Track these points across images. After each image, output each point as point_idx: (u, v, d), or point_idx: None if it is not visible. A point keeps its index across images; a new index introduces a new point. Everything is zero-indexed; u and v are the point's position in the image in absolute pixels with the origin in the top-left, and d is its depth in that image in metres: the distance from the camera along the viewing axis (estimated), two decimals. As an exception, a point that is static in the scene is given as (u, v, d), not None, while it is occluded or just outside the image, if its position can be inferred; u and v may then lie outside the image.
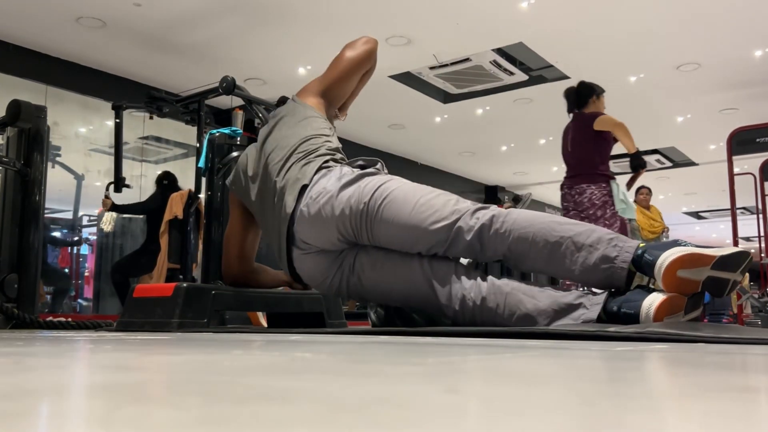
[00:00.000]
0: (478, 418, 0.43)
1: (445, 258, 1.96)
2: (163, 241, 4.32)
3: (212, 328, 2.09)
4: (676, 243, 1.70)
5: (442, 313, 1.93)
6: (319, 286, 2.10)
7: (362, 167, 2.08)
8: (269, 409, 0.45)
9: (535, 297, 1.79)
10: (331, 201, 1.95)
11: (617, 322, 1.67)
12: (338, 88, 2.37)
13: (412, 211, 1.90)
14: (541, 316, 1.76)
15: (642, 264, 1.70)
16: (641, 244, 1.75)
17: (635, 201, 5.78)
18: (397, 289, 1.97)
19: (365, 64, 2.39)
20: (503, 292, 1.83)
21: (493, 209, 1.92)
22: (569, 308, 1.74)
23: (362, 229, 1.95)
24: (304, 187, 2.03)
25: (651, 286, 1.79)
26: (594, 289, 1.85)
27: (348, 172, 2.03)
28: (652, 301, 1.62)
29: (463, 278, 1.89)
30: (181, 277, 4.17)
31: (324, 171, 2.06)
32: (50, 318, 2.92)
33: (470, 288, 1.86)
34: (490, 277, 1.88)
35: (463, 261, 2.03)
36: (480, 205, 1.95)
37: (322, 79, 2.39)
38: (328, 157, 2.12)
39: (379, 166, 2.10)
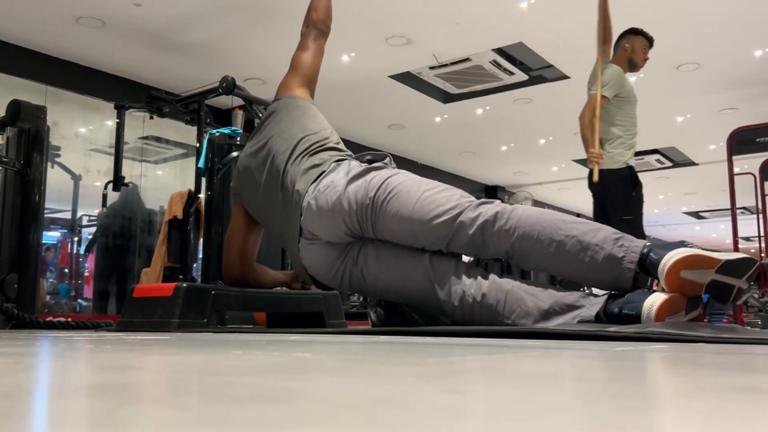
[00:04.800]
0: (478, 418, 0.43)
1: (447, 255, 1.96)
2: (160, 241, 4.31)
3: (212, 328, 2.09)
4: (682, 243, 1.69)
5: (441, 309, 1.93)
6: (323, 277, 2.10)
7: (370, 162, 2.09)
8: (269, 409, 0.45)
9: (537, 296, 1.78)
10: (338, 194, 1.97)
11: (618, 323, 1.66)
12: (315, 73, 2.48)
13: (415, 205, 1.90)
14: (541, 316, 1.76)
15: (646, 263, 1.69)
16: (647, 243, 1.73)
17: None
18: (398, 284, 1.98)
19: (323, 41, 2.55)
20: (504, 290, 1.82)
21: (498, 205, 1.90)
22: (570, 309, 1.74)
23: (367, 222, 1.96)
24: (318, 176, 2.05)
25: (654, 288, 1.77)
26: (595, 291, 1.84)
27: (356, 166, 2.05)
28: (654, 301, 1.61)
29: (464, 275, 1.88)
30: (180, 277, 4.17)
31: (334, 165, 2.08)
32: (50, 318, 2.92)
33: (470, 284, 1.85)
34: (491, 275, 1.88)
35: (465, 259, 2.03)
36: (484, 199, 1.94)
37: (298, 70, 2.44)
38: (335, 152, 2.14)
39: (387, 160, 2.11)
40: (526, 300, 1.79)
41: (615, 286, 1.76)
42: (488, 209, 1.88)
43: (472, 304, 1.84)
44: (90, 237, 7.52)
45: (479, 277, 1.87)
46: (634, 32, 4.29)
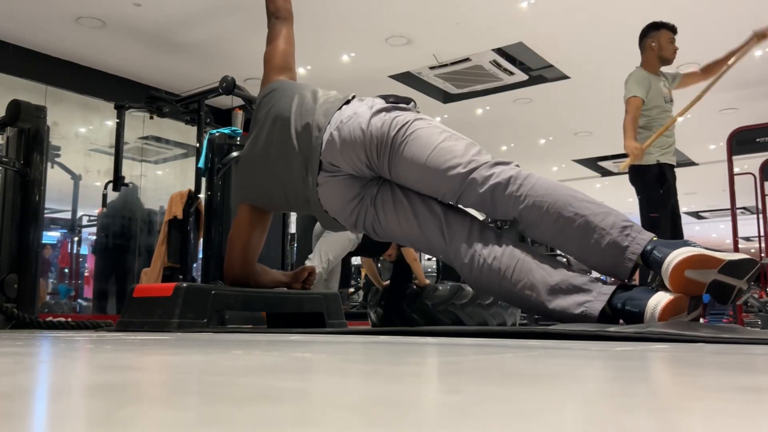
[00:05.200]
0: (478, 418, 0.43)
1: (462, 212, 1.95)
2: (160, 241, 4.32)
3: (212, 328, 2.09)
4: (686, 243, 1.68)
5: (451, 262, 1.93)
6: (340, 214, 2.07)
7: (395, 102, 2.06)
8: (269, 409, 0.45)
9: (546, 270, 1.77)
10: (360, 126, 1.95)
11: (620, 318, 1.66)
12: (287, 59, 2.48)
13: (431, 153, 1.89)
14: (546, 290, 1.74)
15: (650, 259, 1.68)
16: (654, 238, 1.72)
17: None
18: (411, 231, 1.97)
19: (289, 26, 2.54)
20: (515, 257, 1.80)
21: (512, 168, 1.88)
22: (577, 290, 1.72)
23: (384, 161, 1.95)
24: (339, 108, 2.04)
25: (653, 286, 1.77)
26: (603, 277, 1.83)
27: (380, 102, 2.03)
28: (658, 300, 1.61)
29: (478, 234, 1.87)
30: (180, 277, 4.17)
31: (355, 100, 2.08)
32: (50, 318, 2.92)
33: (483, 245, 1.84)
34: (505, 241, 1.86)
35: (480, 217, 2.01)
36: (501, 159, 1.91)
37: (272, 63, 2.45)
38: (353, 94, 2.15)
39: (412, 105, 2.09)
40: (535, 272, 1.77)
41: (613, 273, 1.75)
42: (502, 171, 1.86)
43: (482, 265, 1.82)
44: (94, 237, 7.53)
45: (492, 240, 1.85)
46: (655, 27, 4.24)
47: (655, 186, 4.01)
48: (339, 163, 2.00)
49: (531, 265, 1.78)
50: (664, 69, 4.34)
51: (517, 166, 1.91)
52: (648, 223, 3.95)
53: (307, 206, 2.16)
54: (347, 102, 2.09)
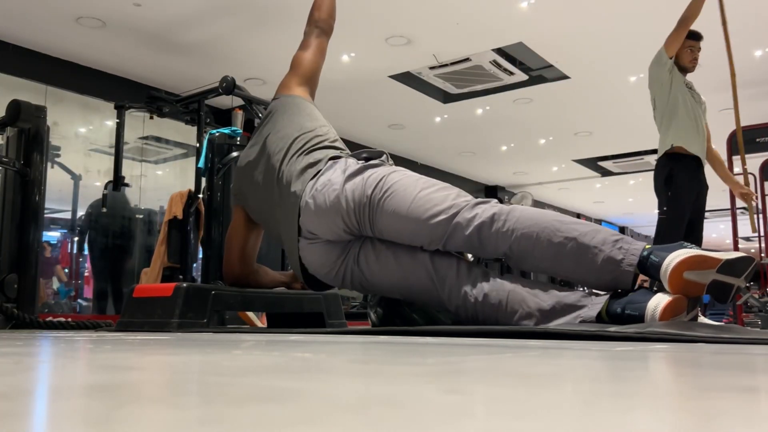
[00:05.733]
0: (478, 418, 0.43)
1: (448, 254, 1.96)
2: (160, 241, 4.32)
3: (212, 328, 2.09)
4: (681, 245, 1.69)
5: (444, 307, 1.93)
6: (325, 277, 2.09)
7: (366, 159, 2.07)
8: (269, 409, 0.45)
9: (538, 296, 1.79)
10: (335, 193, 1.96)
11: (620, 323, 1.66)
12: (315, 72, 2.48)
13: (411, 204, 1.90)
14: (542, 316, 1.76)
15: (647, 266, 1.69)
16: (647, 246, 1.74)
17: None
18: (399, 283, 1.98)
19: (325, 40, 2.54)
20: (506, 290, 1.82)
21: (494, 205, 1.90)
22: (571, 309, 1.74)
23: (365, 221, 1.96)
24: (315, 175, 2.04)
25: (654, 288, 1.78)
26: (596, 291, 1.84)
27: (353, 163, 2.04)
28: (658, 302, 1.61)
29: (466, 274, 1.88)
30: (180, 277, 4.17)
31: (330, 163, 2.07)
32: (50, 318, 2.92)
33: (472, 284, 1.85)
34: (492, 275, 1.87)
35: (469, 257, 2.02)
36: (481, 199, 1.93)
37: (297, 70, 2.43)
38: (331, 150, 2.14)
39: (384, 158, 2.10)
40: (528, 300, 1.78)
41: (615, 287, 1.76)
42: (485, 210, 1.87)
43: (474, 303, 1.84)
44: (76, 238, 7.56)
45: (481, 277, 1.87)
46: None
47: (665, 179, 3.94)
48: (316, 230, 2.01)
49: (522, 294, 1.80)
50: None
51: (498, 202, 1.93)
52: (658, 223, 3.91)
53: (286, 247, 2.18)
54: (319, 170, 2.07)
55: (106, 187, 4.60)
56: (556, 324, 1.72)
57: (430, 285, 1.92)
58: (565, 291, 1.80)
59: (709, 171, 4.20)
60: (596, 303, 1.72)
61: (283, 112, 2.29)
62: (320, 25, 2.51)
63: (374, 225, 1.96)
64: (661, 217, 3.91)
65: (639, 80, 7.40)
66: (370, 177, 1.96)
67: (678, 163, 3.97)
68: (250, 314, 3.60)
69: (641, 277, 1.75)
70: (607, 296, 1.72)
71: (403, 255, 1.97)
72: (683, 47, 4.08)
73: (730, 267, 1.64)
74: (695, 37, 4.11)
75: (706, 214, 4.36)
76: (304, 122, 2.23)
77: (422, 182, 1.96)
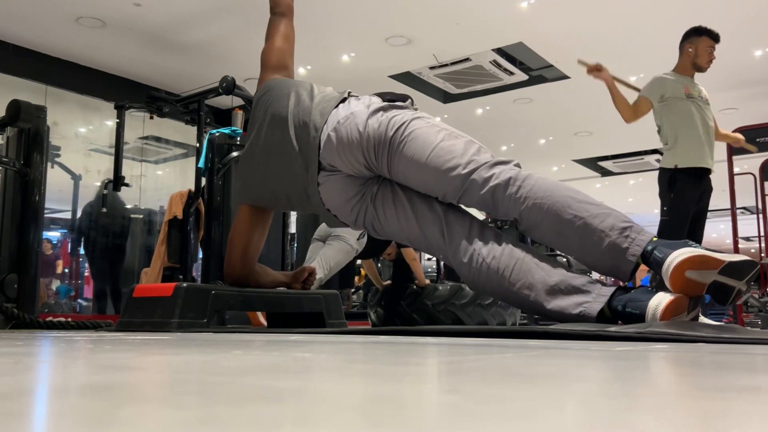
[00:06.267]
0: (478, 418, 0.43)
1: (462, 211, 1.95)
2: (160, 241, 4.31)
3: (212, 328, 2.09)
4: (686, 243, 1.69)
5: (450, 262, 1.93)
6: (340, 211, 2.08)
7: (391, 100, 2.05)
8: (269, 409, 0.45)
9: (546, 270, 1.77)
10: (358, 127, 1.95)
11: (620, 320, 1.66)
12: (284, 57, 2.46)
13: (431, 153, 1.88)
14: (545, 290, 1.74)
15: (650, 260, 1.69)
16: (654, 239, 1.73)
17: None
18: (411, 230, 1.97)
19: (288, 21, 2.51)
20: (515, 257, 1.80)
21: (512, 168, 1.88)
22: (575, 291, 1.72)
23: (383, 160, 1.94)
24: (336, 105, 2.02)
25: (653, 287, 1.77)
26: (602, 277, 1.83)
27: (377, 101, 2.02)
28: (659, 301, 1.61)
29: (477, 234, 1.87)
30: (180, 277, 4.17)
31: (351, 98, 2.06)
32: (50, 318, 2.92)
33: (482, 245, 1.84)
34: (506, 240, 1.86)
35: (480, 216, 2.01)
36: (501, 159, 1.90)
37: (267, 63, 2.42)
38: (348, 92, 2.13)
39: (409, 102, 2.08)
40: (534, 272, 1.77)
41: (613, 274, 1.76)
42: (502, 171, 1.85)
43: (481, 264, 1.83)
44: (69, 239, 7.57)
45: (492, 240, 1.85)
46: (697, 33, 4.15)
47: (670, 190, 3.98)
48: (337, 164, 2.00)
49: (530, 265, 1.78)
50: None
51: (517, 165, 1.91)
52: (660, 226, 3.95)
53: (310, 205, 2.16)
54: (344, 99, 2.08)
55: (105, 187, 4.59)
56: (554, 305, 1.72)
57: (440, 238, 1.92)
58: (573, 273, 1.78)
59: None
60: (601, 295, 1.70)
61: (268, 92, 2.27)
62: (277, 10, 2.50)
63: (391, 167, 1.95)
64: (663, 219, 3.93)
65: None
66: (394, 117, 1.94)
67: (683, 172, 4.01)
68: (259, 315, 3.60)
69: (642, 267, 1.75)
70: (613, 289, 1.71)
71: (419, 204, 1.96)
72: (704, 47, 4.10)
73: (732, 269, 1.63)
74: (715, 38, 4.14)
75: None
76: (299, 85, 2.22)
77: (444, 132, 1.93)
